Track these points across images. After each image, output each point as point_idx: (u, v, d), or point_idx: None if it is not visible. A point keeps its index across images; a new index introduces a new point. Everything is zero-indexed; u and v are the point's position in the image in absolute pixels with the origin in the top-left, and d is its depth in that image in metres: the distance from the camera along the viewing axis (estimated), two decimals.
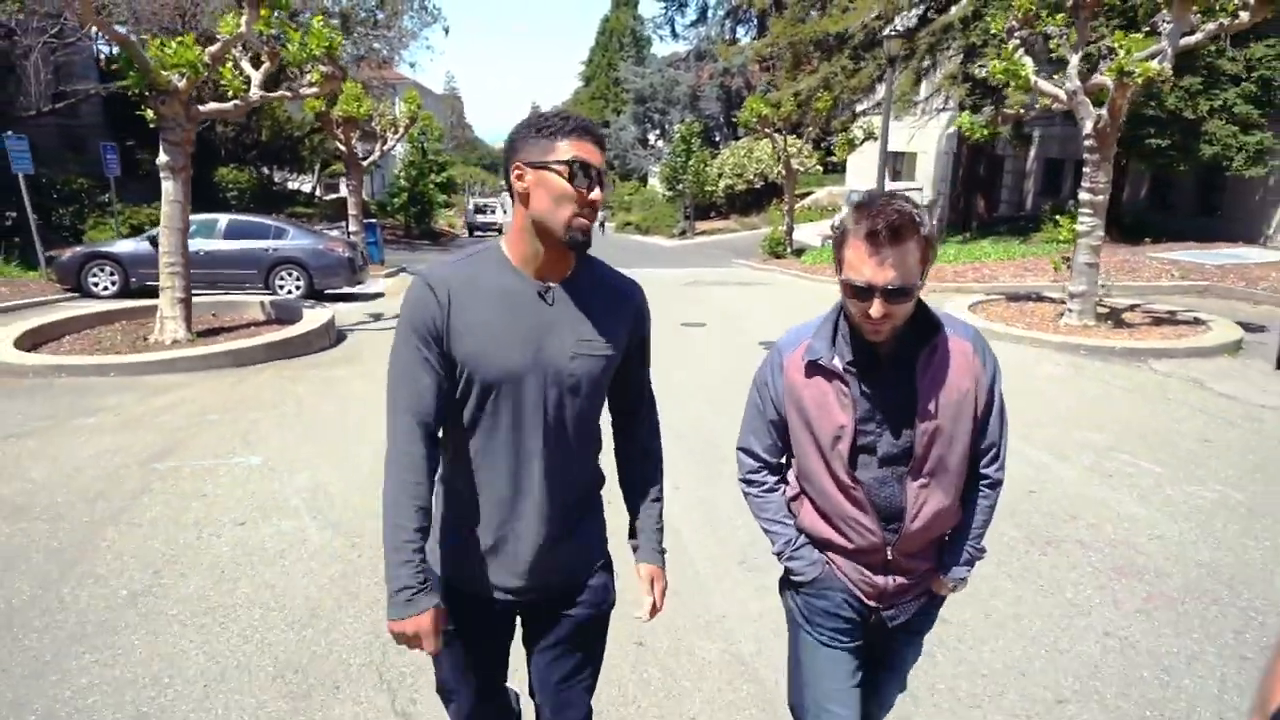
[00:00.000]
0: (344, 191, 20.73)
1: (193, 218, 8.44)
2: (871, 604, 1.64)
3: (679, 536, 3.71)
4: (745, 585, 3.28)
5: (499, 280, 1.45)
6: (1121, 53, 7.78)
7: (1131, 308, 9.77)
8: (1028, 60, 8.99)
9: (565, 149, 1.39)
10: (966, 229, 21.88)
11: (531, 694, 1.66)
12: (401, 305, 1.45)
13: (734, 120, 28.71)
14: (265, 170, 29.03)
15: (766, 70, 34.12)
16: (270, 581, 3.30)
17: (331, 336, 8.69)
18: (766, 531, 1.71)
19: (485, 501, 1.49)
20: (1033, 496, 4.27)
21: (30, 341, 7.75)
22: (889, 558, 1.58)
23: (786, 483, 1.73)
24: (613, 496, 1.67)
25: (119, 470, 4.58)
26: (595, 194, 1.40)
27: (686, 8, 43.77)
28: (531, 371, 1.43)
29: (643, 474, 1.67)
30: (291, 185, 33.78)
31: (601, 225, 39.72)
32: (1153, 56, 7.78)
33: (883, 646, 1.74)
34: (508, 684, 1.76)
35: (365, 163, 17.39)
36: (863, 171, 24.86)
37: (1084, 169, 8.54)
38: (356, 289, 13.27)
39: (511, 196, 1.45)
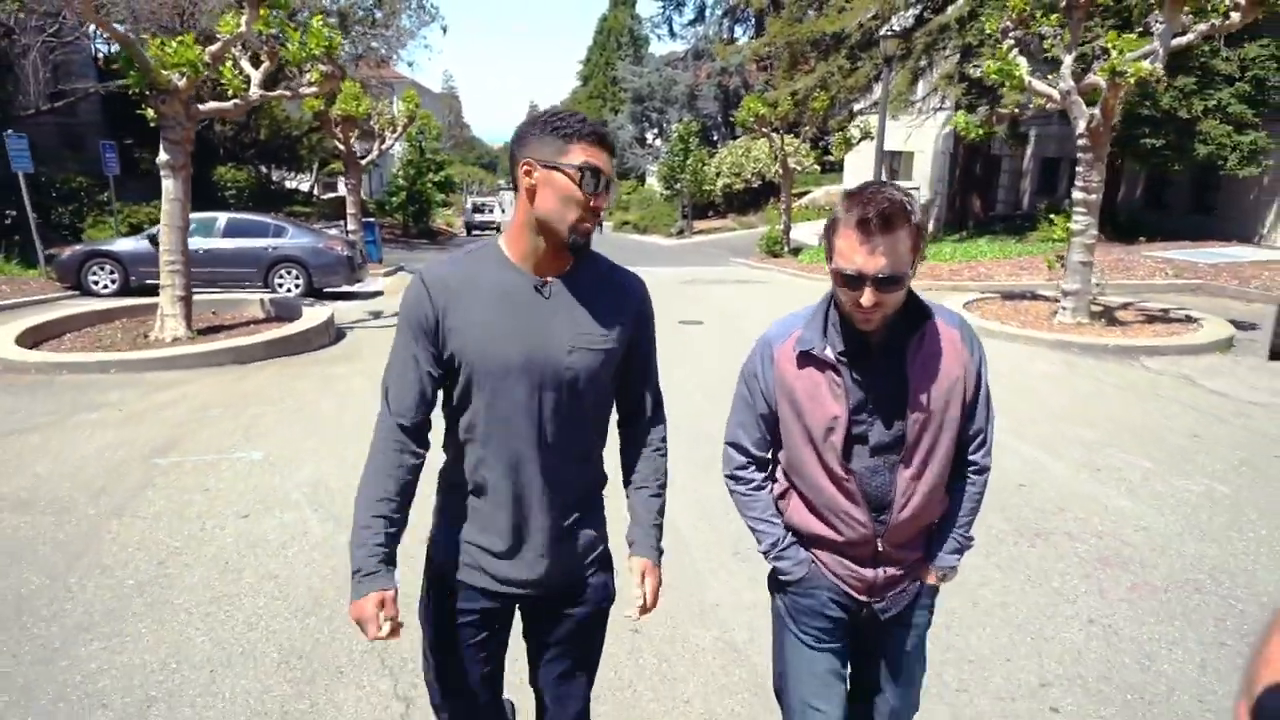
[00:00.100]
0: (342, 190, 20.78)
1: (192, 216, 8.49)
2: (861, 598, 1.63)
3: (675, 528, 3.78)
4: (739, 575, 3.35)
5: (496, 276, 1.46)
6: (1114, 53, 7.86)
7: (1125, 306, 9.86)
8: (1022, 60, 9.07)
9: (578, 153, 1.39)
10: (963, 228, 21.96)
11: (532, 683, 1.70)
12: (400, 303, 1.49)
13: (731, 120, 28.78)
14: (264, 169, 29.05)
15: (764, 70, 34.21)
16: (274, 572, 3.36)
17: (331, 334, 8.74)
18: (753, 529, 1.70)
19: (486, 497, 1.50)
20: (1023, 490, 4.34)
21: (31, 339, 7.80)
22: (879, 549, 1.58)
23: (774, 480, 1.71)
24: (613, 494, 1.67)
25: (122, 465, 4.64)
26: (602, 200, 1.42)
27: (684, 7, 43.85)
28: (529, 366, 1.43)
29: (647, 468, 1.64)
30: (290, 184, 33.79)
31: (600, 226, 39.75)
32: (1145, 57, 7.86)
33: (878, 642, 1.71)
34: (505, 696, 1.74)
35: (364, 162, 17.43)
36: (860, 171, 24.95)
37: (1078, 168, 8.62)
38: (355, 287, 13.33)
39: (515, 189, 1.46)
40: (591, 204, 1.41)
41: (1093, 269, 8.90)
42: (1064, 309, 8.96)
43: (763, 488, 1.68)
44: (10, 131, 12.42)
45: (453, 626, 1.55)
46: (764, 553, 1.68)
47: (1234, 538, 3.75)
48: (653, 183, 41.15)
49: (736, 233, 30.02)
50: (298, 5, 18.35)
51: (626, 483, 1.65)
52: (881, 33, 17.14)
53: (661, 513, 1.63)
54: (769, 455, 1.70)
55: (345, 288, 12.96)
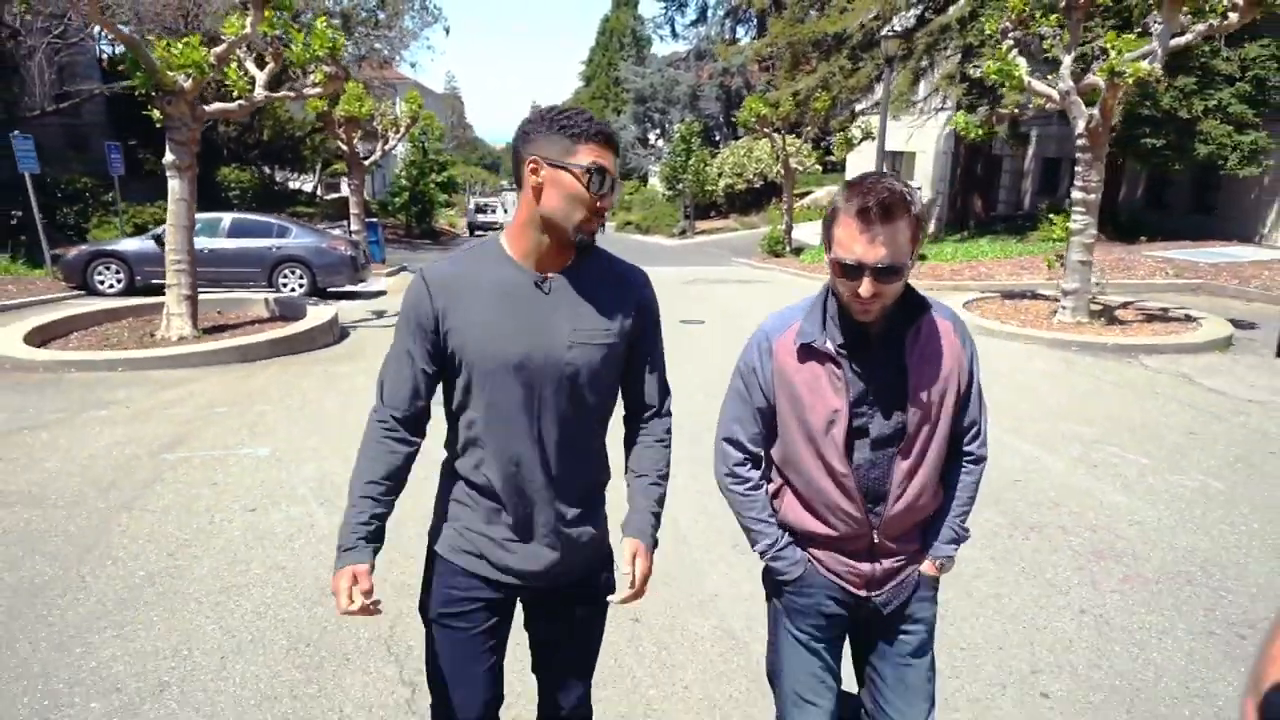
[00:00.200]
0: (345, 191, 20.87)
1: (197, 216, 8.57)
2: (860, 593, 1.62)
3: (675, 521, 3.85)
4: (738, 567, 3.41)
5: (497, 274, 1.47)
6: (1113, 53, 7.91)
7: (1124, 305, 9.90)
8: (1021, 61, 9.12)
9: (586, 154, 1.40)
10: (964, 228, 22.00)
11: (534, 670, 1.73)
12: (402, 299, 1.52)
13: (733, 120, 28.83)
14: (267, 170, 29.16)
15: (766, 70, 34.27)
16: (281, 563, 3.43)
17: (335, 333, 8.82)
18: (749, 529, 1.67)
19: (488, 492, 1.51)
20: (1019, 485, 4.40)
21: (39, 338, 7.88)
22: (874, 541, 1.57)
23: (768, 479, 1.68)
24: (613, 487, 1.67)
25: (131, 460, 4.71)
26: (608, 201, 1.43)
27: (686, 7, 43.91)
28: (529, 362, 1.44)
29: (649, 458, 1.62)
30: (293, 185, 33.92)
31: (602, 225, 39.82)
32: (1144, 57, 7.90)
33: (883, 636, 1.67)
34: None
35: (367, 162, 17.52)
36: (861, 171, 24.94)
37: (1076, 168, 8.67)
38: (359, 287, 13.41)
39: (518, 186, 1.45)
40: (598, 204, 1.42)
41: (1092, 268, 8.95)
42: (1064, 308, 9.01)
43: (759, 487, 1.66)
44: (16, 132, 12.52)
45: (454, 615, 1.56)
46: (760, 553, 1.67)
47: (1226, 531, 3.80)
48: (655, 183, 41.22)
49: (739, 233, 30.08)
50: (301, 7, 18.44)
51: (629, 468, 1.64)
52: (883, 33, 17.19)
53: (660, 503, 1.60)
54: (764, 452, 1.67)
55: (349, 287, 13.04)
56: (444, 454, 1.60)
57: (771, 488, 1.67)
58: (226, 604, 3.09)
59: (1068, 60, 8.57)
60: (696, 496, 4.12)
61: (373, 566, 1.46)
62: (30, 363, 6.98)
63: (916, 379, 1.50)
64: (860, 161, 24.75)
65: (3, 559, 3.44)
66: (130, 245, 12.29)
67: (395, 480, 1.53)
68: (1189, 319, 9.01)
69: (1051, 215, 10.42)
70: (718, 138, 41.03)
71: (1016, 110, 10.13)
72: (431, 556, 1.61)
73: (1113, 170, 15.20)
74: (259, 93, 8.57)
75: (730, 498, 1.68)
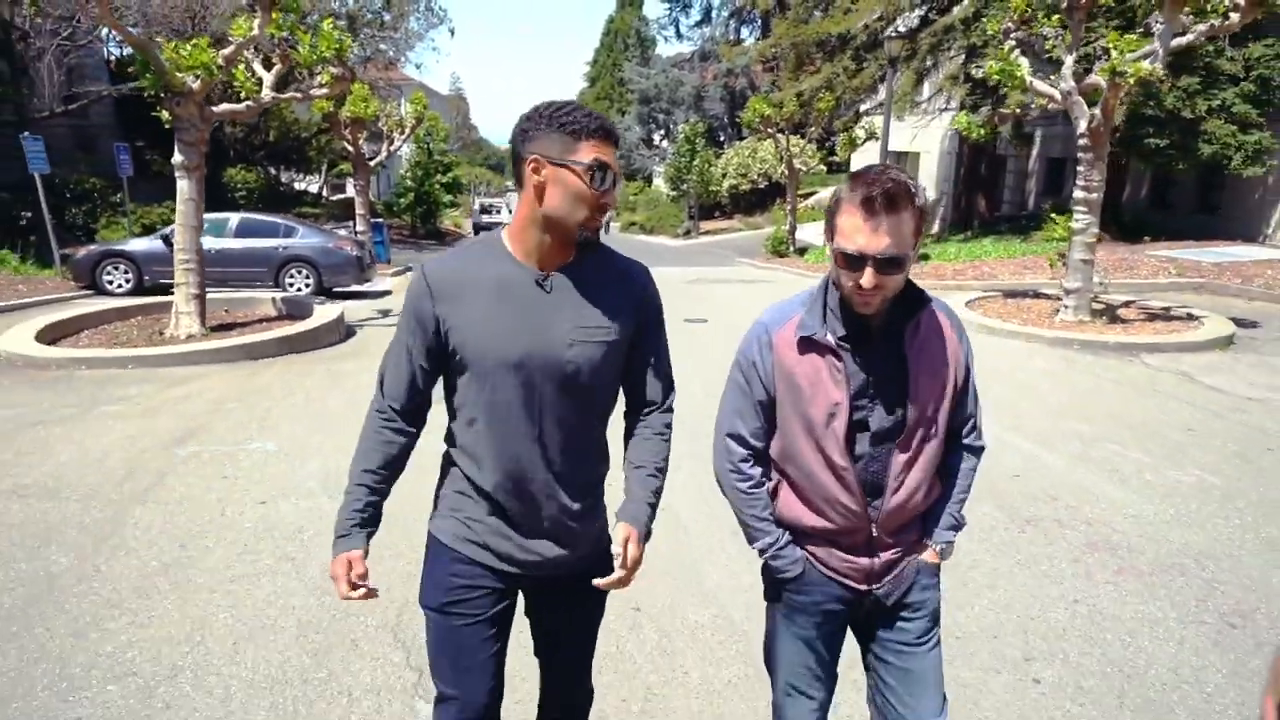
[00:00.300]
0: (350, 191, 20.99)
1: (205, 216, 8.66)
2: (861, 588, 1.61)
3: (675, 513, 3.92)
4: (739, 559, 3.47)
5: (498, 272, 1.47)
6: (1114, 53, 7.95)
7: (1127, 304, 9.93)
8: (1023, 61, 9.16)
9: (587, 150, 1.39)
10: (968, 228, 22.02)
11: (536, 653, 1.78)
12: (404, 294, 1.54)
13: (738, 120, 28.90)
14: (273, 170, 29.32)
15: (770, 71, 34.31)
16: (290, 554, 3.50)
17: (341, 332, 8.91)
18: (749, 526, 1.66)
19: (490, 484, 1.51)
20: (1017, 481, 4.45)
21: (50, 336, 7.99)
22: (873, 535, 1.57)
23: (769, 478, 1.67)
24: (612, 479, 1.67)
25: (143, 454, 4.80)
26: (610, 197, 1.43)
27: (691, 8, 44.00)
28: (529, 360, 1.44)
29: (648, 450, 1.62)
30: (298, 185, 34.07)
31: (606, 225, 39.91)
32: (1145, 57, 7.94)
33: (885, 626, 1.66)
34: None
35: (372, 163, 17.63)
36: None
37: (1078, 167, 8.71)
38: (364, 287, 13.51)
39: (519, 185, 1.45)
40: (601, 201, 1.42)
41: (1094, 267, 8.98)
42: (1065, 307, 9.04)
43: (761, 484, 1.65)
44: (27, 133, 12.66)
45: (457, 603, 1.56)
46: (759, 550, 1.67)
47: (1221, 525, 3.85)
48: (659, 184, 41.31)
49: (743, 233, 30.13)
50: (308, 8, 18.57)
51: (626, 463, 1.64)
52: (887, 34, 17.23)
53: (657, 494, 1.59)
54: (766, 446, 1.66)
55: (354, 287, 13.14)
56: (444, 446, 1.62)
57: (769, 485, 1.67)
58: (238, 592, 3.17)
59: (1070, 60, 8.61)
60: (696, 489, 4.18)
61: (367, 551, 1.54)
62: (43, 360, 7.09)
63: (916, 372, 1.51)
64: (864, 162, 24.57)
65: (20, 549, 3.53)
66: (139, 245, 12.42)
67: (391, 469, 1.57)
68: (1191, 318, 9.04)
69: (1054, 215, 10.45)
70: (722, 138, 41.09)
71: (1019, 110, 10.16)
72: (434, 545, 1.61)
73: (1117, 170, 15.25)
74: (266, 94, 8.67)
75: (732, 495, 1.67)
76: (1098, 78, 8.23)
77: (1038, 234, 17.06)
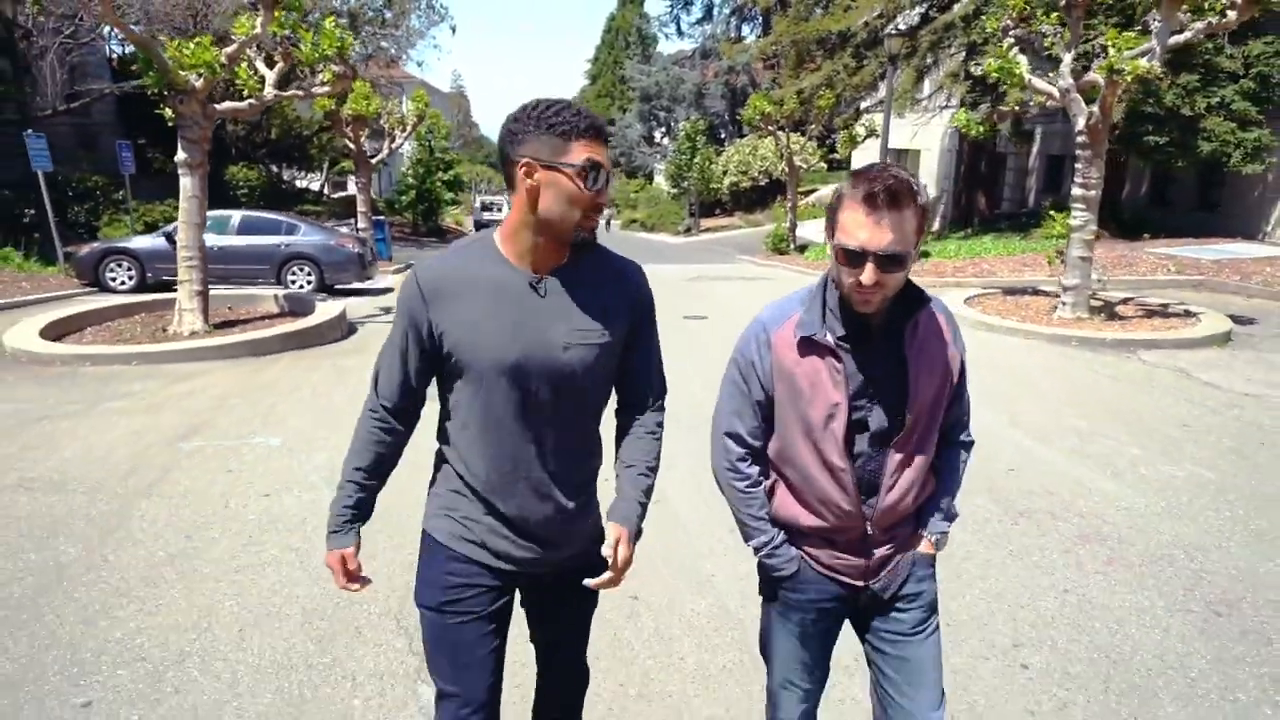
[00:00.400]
0: (352, 189, 21.09)
1: (208, 214, 8.72)
2: (858, 584, 1.63)
3: (674, 506, 3.97)
4: (735, 551, 3.53)
5: (490, 273, 1.46)
6: (1112, 51, 7.98)
7: (1125, 301, 9.97)
8: (1022, 58, 9.19)
9: (579, 151, 1.37)
10: (968, 225, 22.05)
11: (532, 640, 1.81)
12: (397, 295, 1.54)
13: (738, 118, 28.91)
14: (274, 168, 29.40)
15: (770, 68, 34.35)
16: (294, 545, 3.56)
17: (343, 328, 8.97)
18: (745, 525, 1.67)
19: (485, 485, 1.52)
20: (1012, 475, 4.50)
21: (54, 333, 8.06)
22: (868, 532, 1.58)
23: (766, 476, 1.68)
24: (604, 475, 1.68)
25: (148, 449, 4.86)
26: (604, 196, 1.42)
27: (692, 6, 44.10)
28: (525, 363, 1.44)
29: (640, 449, 1.63)
30: (300, 183, 34.16)
31: (607, 223, 40.01)
32: (1143, 55, 7.98)
33: (881, 618, 1.67)
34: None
35: (373, 161, 17.68)
36: None
37: (1077, 165, 8.74)
38: (366, 284, 13.57)
39: (510, 187, 1.43)
40: (595, 200, 1.41)
41: (1092, 264, 9.02)
42: (1064, 304, 9.08)
43: (759, 484, 1.65)
44: (30, 131, 12.72)
45: (455, 602, 1.56)
46: (755, 549, 1.68)
47: (1212, 517, 3.90)
48: (660, 181, 41.34)
49: (743, 230, 30.17)
50: (309, 6, 18.62)
51: (619, 458, 1.65)
52: (887, 31, 17.27)
53: (648, 494, 1.60)
54: (763, 445, 1.66)
55: (356, 284, 13.20)
56: (437, 443, 1.63)
57: (766, 484, 1.67)
58: (243, 581, 3.23)
59: (1068, 58, 8.65)
60: (695, 485, 4.23)
61: (358, 546, 1.61)
62: (47, 356, 7.15)
63: (915, 371, 1.51)
64: (865, 159, 24.77)
65: (29, 540, 3.59)
66: (141, 243, 12.48)
67: (383, 467, 1.61)
68: (1188, 314, 9.08)
69: (1054, 212, 10.49)
70: (723, 136, 41.12)
71: (1018, 108, 10.20)
72: (429, 544, 1.61)
73: (1117, 168, 15.26)
74: (269, 92, 8.72)
75: (729, 493, 1.68)
76: (1096, 75, 8.26)
77: (1038, 231, 17.10)
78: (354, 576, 1.62)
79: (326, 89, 9.76)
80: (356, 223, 17.00)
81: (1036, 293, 10.77)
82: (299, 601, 3.07)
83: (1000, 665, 2.68)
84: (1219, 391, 6.34)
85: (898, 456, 1.53)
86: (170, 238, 10.96)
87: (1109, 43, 8.09)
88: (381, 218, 19.12)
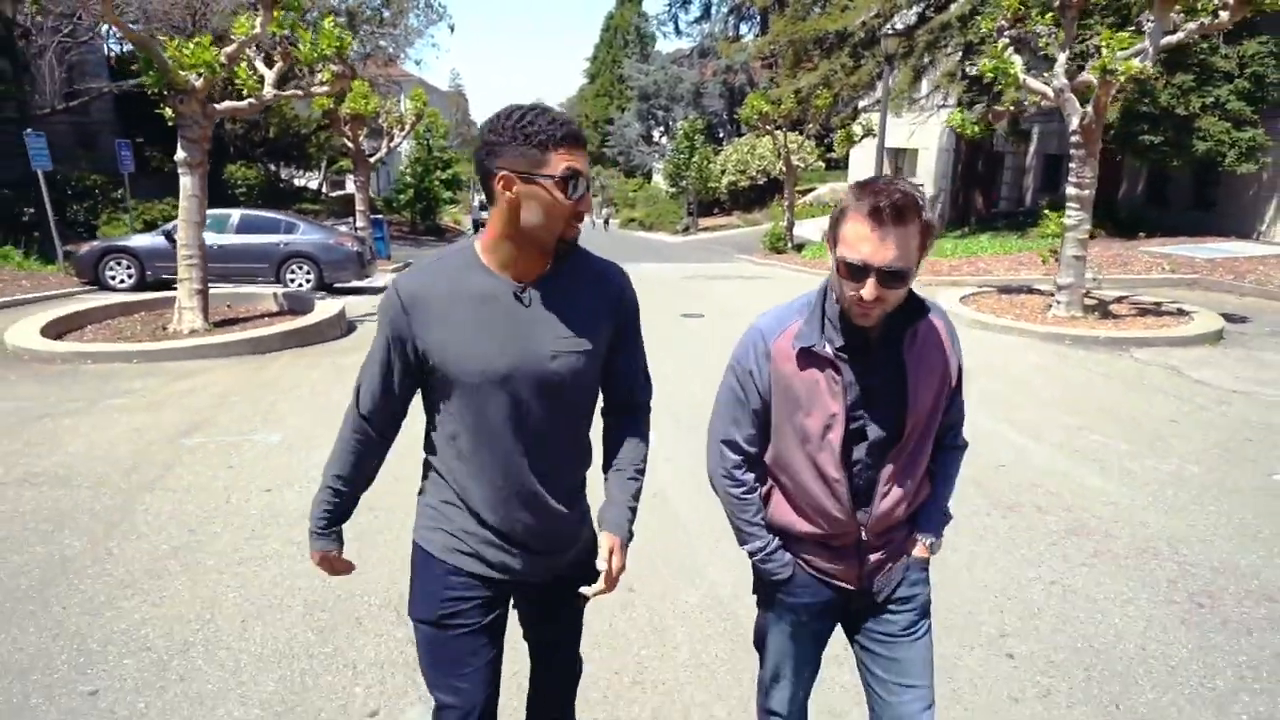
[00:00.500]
0: (350, 188, 21.13)
1: (207, 212, 8.76)
2: (852, 588, 1.64)
3: (670, 502, 4.04)
4: (728, 544, 3.58)
5: (473, 284, 1.44)
6: (1105, 51, 8.05)
7: (1119, 300, 10.05)
8: (1016, 58, 9.26)
9: (558, 161, 1.35)
10: (965, 224, 22.13)
11: (525, 637, 1.83)
12: (378, 307, 1.53)
13: (736, 117, 28.98)
14: (273, 167, 29.43)
15: (768, 67, 34.42)
16: (296, 539, 3.62)
17: (343, 326, 9.03)
18: (740, 530, 1.68)
19: (477, 496, 1.52)
20: (1002, 470, 4.57)
21: (55, 331, 8.11)
22: (862, 538, 1.59)
23: (762, 482, 1.69)
24: (593, 476, 1.70)
25: (150, 445, 4.92)
26: (585, 203, 1.40)
27: (690, 5, 44.13)
28: (512, 374, 1.43)
29: (627, 454, 1.64)
30: (299, 182, 34.19)
31: (606, 222, 40.09)
32: (1136, 55, 8.04)
33: (873, 620, 1.68)
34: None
35: (372, 159, 17.72)
36: (864, 168, 25.13)
37: (1070, 164, 8.82)
38: (364, 283, 13.61)
39: (489, 200, 1.41)
40: (576, 209, 1.39)
41: (1086, 263, 9.09)
42: (1058, 302, 9.16)
43: (754, 490, 1.66)
44: (29, 130, 12.76)
45: (451, 615, 1.56)
46: (750, 553, 1.69)
47: (1196, 512, 3.97)
48: (658, 180, 41.39)
49: (741, 229, 30.23)
50: (308, 5, 18.65)
51: (606, 466, 1.65)
52: (884, 31, 17.34)
53: (636, 497, 1.60)
54: (760, 452, 1.66)
55: (355, 283, 13.25)
56: (424, 452, 1.63)
57: (762, 490, 1.68)
58: (245, 574, 3.30)
59: (1062, 58, 8.72)
60: (693, 481, 4.30)
61: (341, 547, 1.65)
62: (48, 354, 7.20)
63: (914, 381, 1.51)
64: (862, 158, 24.89)
65: (34, 533, 3.65)
66: (141, 241, 12.52)
67: (362, 476, 1.62)
68: (1181, 313, 9.15)
69: (1050, 211, 10.56)
70: (721, 135, 41.19)
71: (1014, 108, 10.27)
72: (422, 557, 1.60)
73: (1112, 167, 15.35)
74: (268, 91, 8.77)
75: (725, 499, 1.69)
76: (1089, 75, 8.33)
77: (1034, 230, 17.16)
78: (341, 569, 1.67)
79: (325, 88, 9.81)
80: (355, 221, 17.04)
81: (1031, 291, 10.85)
82: (300, 593, 3.14)
83: (985, 654, 2.75)
84: (1209, 389, 6.42)
85: (893, 465, 1.55)
86: (170, 236, 11.02)
87: (1103, 43, 8.16)
88: (380, 216, 19.18)
